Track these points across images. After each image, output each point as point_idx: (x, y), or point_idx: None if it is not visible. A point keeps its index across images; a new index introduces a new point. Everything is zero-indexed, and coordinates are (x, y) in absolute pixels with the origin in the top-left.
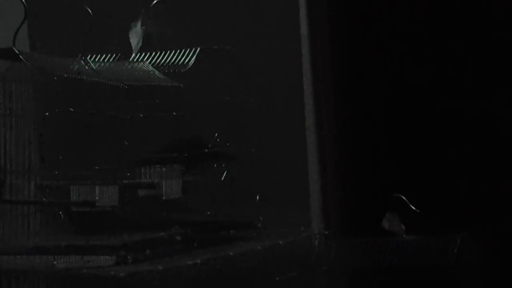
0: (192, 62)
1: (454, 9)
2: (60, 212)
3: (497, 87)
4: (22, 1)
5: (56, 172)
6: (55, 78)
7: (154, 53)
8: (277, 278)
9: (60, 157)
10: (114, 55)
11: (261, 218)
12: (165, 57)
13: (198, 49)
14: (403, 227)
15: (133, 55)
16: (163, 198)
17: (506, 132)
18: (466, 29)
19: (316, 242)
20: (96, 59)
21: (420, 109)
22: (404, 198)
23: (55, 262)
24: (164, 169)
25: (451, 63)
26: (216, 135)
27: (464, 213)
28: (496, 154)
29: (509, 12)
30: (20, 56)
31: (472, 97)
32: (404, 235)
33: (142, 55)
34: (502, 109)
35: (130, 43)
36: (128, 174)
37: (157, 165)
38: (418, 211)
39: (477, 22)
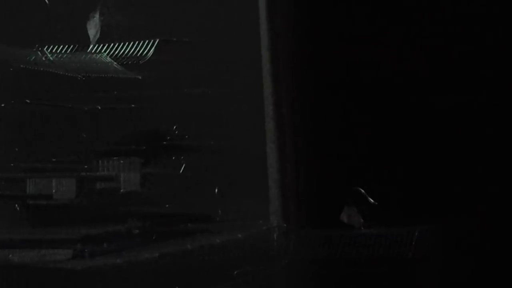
0: (151, 54)
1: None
2: (16, 205)
3: (461, 81)
4: None
5: (12, 164)
6: (11, 69)
7: (112, 45)
8: (235, 272)
9: (16, 149)
10: (71, 46)
11: (219, 211)
12: (124, 48)
13: (157, 40)
14: (361, 219)
15: (91, 46)
16: (121, 190)
17: (468, 124)
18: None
19: (275, 235)
20: (53, 50)
21: (379, 101)
22: (362, 191)
23: (10, 256)
24: (122, 161)
25: (417, 54)
26: (174, 127)
27: (422, 205)
28: (456, 146)
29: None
30: None
31: (437, 90)
32: (362, 228)
33: (100, 47)
34: (466, 101)
35: (88, 34)
36: (86, 167)
37: (115, 158)
38: (377, 203)
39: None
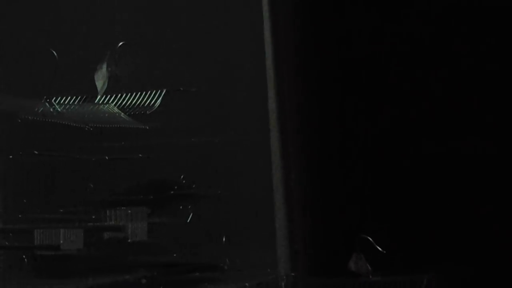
0: (158, 103)
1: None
2: (24, 256)
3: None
4: None
5: (19, 216)
6: (19, 120)
7: (119, 95)
8: None
9: (24, 200)
10: (79, 97)
11: (227, 259)
12: (131, 99)
13: (164, 90)
14: (369, 267)
15: (99, 97)
16: (129, 240)
17: (476, 169)
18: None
19: (283, 283)
20: (61, 101)
21: (387, 149)
22: (370, 239)
23: None
24: (129, 211)
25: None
26: (182, 176)
27: (430, 253)
28: (464, 192)
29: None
30: None
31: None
32: (370, 276)
33: (108, 97)
34: (474, 146)
35: (95, 85)
36: (93, 217)
37: (122, 207)
38: (385, 251)
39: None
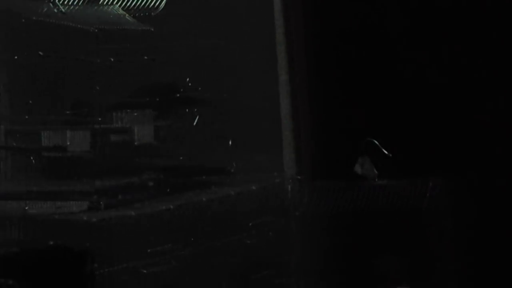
0: (163, 5)
1: None
2: (31, 157)
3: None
4: None
5: (26, 117)
6: (23, 20)
7: None
8: (250, 223)
9: (30, 101)
10: None
11: (234, 163)
12: (135, 0)
13: None
14: (375, 171)
15: None
16: (135, 143)
17: (480, 79)
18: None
19: (289, 187)
20: (65, 2)
21: (392, 55)
22: (376, 142)
23: (26, 208)
24: (135, 114)
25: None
26: (188, 79)
27: (436, 157)
28: (471, 98)
29: None
30: None
31: (447, 44)
32: (376, 180)
33: None
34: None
35: None
36: (100, 119)
37: (128, 110)
38: (390, 155)
39: None
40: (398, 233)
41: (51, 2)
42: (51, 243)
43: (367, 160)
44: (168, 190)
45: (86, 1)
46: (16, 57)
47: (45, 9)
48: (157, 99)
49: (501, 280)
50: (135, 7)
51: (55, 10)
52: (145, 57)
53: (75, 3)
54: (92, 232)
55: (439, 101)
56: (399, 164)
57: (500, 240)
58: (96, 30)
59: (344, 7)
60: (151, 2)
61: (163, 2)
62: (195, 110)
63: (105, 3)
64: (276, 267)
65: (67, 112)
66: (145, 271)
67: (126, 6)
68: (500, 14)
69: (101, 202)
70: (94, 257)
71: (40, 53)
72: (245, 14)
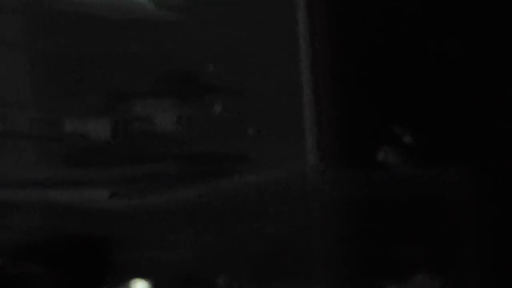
0: None
1: None
2: (54, 145)
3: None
4: None
5: (48, 105)
6: (46, 7)
7: None
8: (271, 211)
9: (51, 89)
10: None
11: (255, 151)
12: None
13: None
14: (398, 159)
15: None
16: (157, 131)
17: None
18: None
19: (311, 175)
20: None
21: (417, 43)
22: (400, 130)
23: (48, 195)
24: (158, 102)
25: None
26: (210, 67)
27: (461, 146)
28: (497, 88)
29: None
30: None
31: (470, 33)
32: (400, 168)
33: None
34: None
35: None
36: (121, 107)
37: (149, 98)
38: (414, 143)
39: None
40: (420, 221)
41: None
42: (73, 230)
43: (391, 148)
44: (190, 178)
45: None
46: (39, 45)
47: None
48: (179, 87)
49: None
50: None
51: None
52: (167, 45)
53: None
54: (114, 220)
55: (464, 89)
56: (423, 152)
57: None
58: (119, 18)
59: None
60: None
61: None
62: (217, 98)
63: None
64: (297, 255)
65: (90, 100)
66: (166, 258)
67: None
68: None
69: (123, 191)
70: (116, 245)
71: (63, 40)
72: (269, 3)
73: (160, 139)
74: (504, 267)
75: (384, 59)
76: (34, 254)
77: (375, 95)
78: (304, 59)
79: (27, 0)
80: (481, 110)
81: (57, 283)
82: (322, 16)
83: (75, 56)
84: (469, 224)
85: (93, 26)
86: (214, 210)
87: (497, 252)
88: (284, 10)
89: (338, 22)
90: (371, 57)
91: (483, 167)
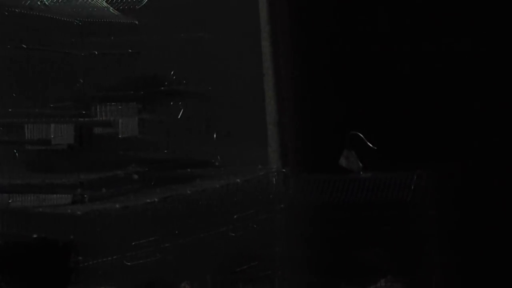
0: None
1: None
2: (15, 151)
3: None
4: None
5: (9, 110)
6: (6, 13)
7: None
8: (235, 216)
9: (14, 94)
10: None
11: (218, 156)
12: None
13: None
14: (360, 164)
15: None
16: (119, 136)
17: (465, 69)
18: None
19: (274, 179)
20: None
21: (376, 48)
22: (361, 135)
23: (10, 201)
24: (120, 107)
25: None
26: (172, 72)
27: (420, 150)
28: (454, 90)
29: None
30: None
31: (429, 37)
32: (361, 172)
33: None
34: (461, 46)
35: None
36: (84, 112)
37: (112, 103)
38: (375, 148)
39: None
40: (383, 225)
41: None
42: (35, 236)
43: (352, 153)
44: (153, 183)
45: None
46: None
47: (28, 1)
48: (142, 92)
49: (486, 272)
50: (119, 0)
51: (38, 3)
52: (129, 50)
53: None
54: (76, 225)
55: (423, 93)
56: (383, 156)
57: (485, 232)
58: (80, 23)
59: None
60: None
61: None
62: (180, 103)
63: None
64: (261, 259)
65: (51, 105)
66: (129, 263)
67: None
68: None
69: (86, 195)
70: (79, 250)
71: (24, 45)
72: (230, 7)
73: (123, 144)
74: (466, 270)
75: (346, 66)
76: None
77: (337, 102)
78: (267, 66)
79: None
80: (441, 115)
81: None
82: (285, 22)
83: (36, 61)
84: (431, 227)
85: (55, 32)
86: (177, 215)
87: (459, 254)
88: (247, 15)
89: (301, 28)
90: (334, 63)
91: (444, 171)
